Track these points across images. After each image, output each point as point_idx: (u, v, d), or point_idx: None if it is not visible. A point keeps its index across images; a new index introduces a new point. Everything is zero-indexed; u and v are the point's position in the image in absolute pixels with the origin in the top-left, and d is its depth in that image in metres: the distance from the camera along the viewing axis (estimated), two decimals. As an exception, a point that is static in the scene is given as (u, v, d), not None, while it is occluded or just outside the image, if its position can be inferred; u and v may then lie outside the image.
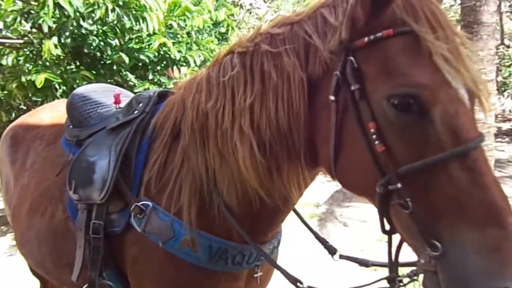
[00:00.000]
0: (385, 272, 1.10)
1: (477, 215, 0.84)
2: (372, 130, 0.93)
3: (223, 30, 6.17)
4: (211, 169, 1.23)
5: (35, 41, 4.35)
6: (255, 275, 1.40)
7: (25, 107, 4.94)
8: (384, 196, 0.93)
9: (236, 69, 1.17)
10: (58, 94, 3.71)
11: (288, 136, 1.11)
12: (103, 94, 1.81)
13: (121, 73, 4.25)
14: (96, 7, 3.66)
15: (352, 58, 0.98)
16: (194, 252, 1.26)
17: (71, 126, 1.70)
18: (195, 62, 4.55)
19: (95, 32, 3.95)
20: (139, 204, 1.31)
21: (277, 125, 1.10)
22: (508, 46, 13.21)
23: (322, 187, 6.86)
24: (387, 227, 1.00)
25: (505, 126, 12.71)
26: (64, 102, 2.21)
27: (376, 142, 0.92)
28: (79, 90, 1.80)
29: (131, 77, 4.50)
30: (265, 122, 1.11)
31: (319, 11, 1.10)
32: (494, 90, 5.38)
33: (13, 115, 4.77)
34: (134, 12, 3.83)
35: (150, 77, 4.67)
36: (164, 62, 4.52)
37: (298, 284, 1.26)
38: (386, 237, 1.03)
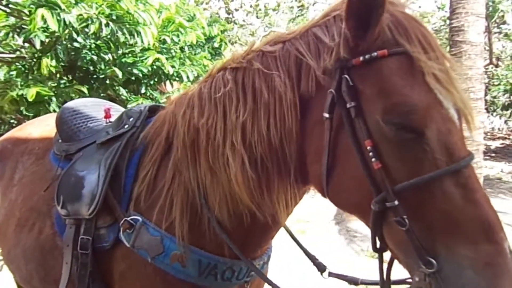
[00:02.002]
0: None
1: (471, 232, 0.86)
2: (368, 148, 0.94)
3: (216, 45, 6.22)
4: (202, 184, 1.23)
5: (27, 56, 4.34)
6: (245, 292, 1.39)
7: (15, 122, 4.90)
8: (378, 213, 0.94)
9: (228, 86, 1.18)
10: (51, 108, 3.68)
11: (279, 152, 1.12)
12: (93, 108, 1.80)
13: (114, 88, 4.25)
14: (90, 22, 3.68)
15: (347, 76, 0.99)
16: (183, 268, 1.25)
17: (60, 141, 1.68)
18: (188, 77, 4.57)
19: (88, 47, 3.96)
20: (128, 219, 1.30)
21: (269, 142, 1.11)
22: (496, 66, 13.48)
23: (312, 202, 6.86)
24: (379, 244, 1.00)
25: (494, 144, 12.86)
26: (53, 116, 2.20)
27: (373, 159, 0.93)
28: (69, 104, 1.79)
29: (123, 91, 4.50)
30: (256, 138, 1.12)
31: (311, 31, 1.12)
32: (483, 109, 5.46)
33: (3, 129, 4.72)
34: (128, 26, 3.85)
35: (143, 91, 4.68)
36: (157, 77, 4.53)
37: None
38: (376, 253, 1.03)
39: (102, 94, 4.23)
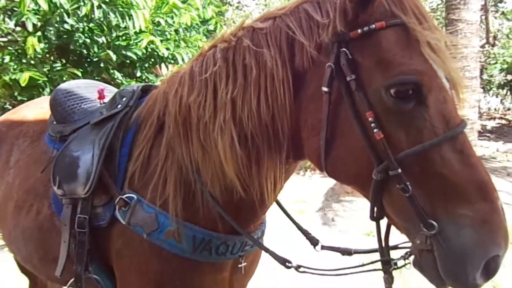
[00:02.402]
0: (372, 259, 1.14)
1: (468, 193, 0.92)
2: (370, 119, 0.97)
3: (211, 27, 6.19)
4: (194, 161, 1.24)
5: (19, 39, 4.30)
6: (240, 265, 1.42)
7: (10, 107, 4.88)
8: (380, 182, 0.97)
9: (218, 64, 1.19)
10: (45, 93, 3.67)
11: (270, 128, 1.13)
12: (87, 89, 1.80)
13: (108, 71, 4.23)
14: (81, 3, 3.64)
15: (345, 49, 1.01)
16: (178, 243, 1.28)
17: (54, 122, 1.69)
18: (183, 59, 4.55)
19: (81, 29, 3.92)
20: (123, 197, 1.32)
21: (259, 118, 1.13)
22: (493, 45, 13.42)
23: (310, 183, 6.92)
24: (376, 213, 1.04)
25: (490, 124, 12.88)
26: (47, 99, 2.19)
27: (375, 130, 0.96)
28: (63, 85, 1.79)
29: (118, 75, 4.48)
30: (247, 115, 1.13)
31: (301, 7, 1.13)
32: (478, 87, 5.47)
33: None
34: (120, 9, 3.81)
35: (138, 74, 4.65)
36: (152, 60, 4.50)
37: (287, 264, 1.28)
38: (374, 231, 1.08)
39: (96, 78, 4.21)
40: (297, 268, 1.28)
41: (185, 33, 5.29)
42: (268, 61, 1.11)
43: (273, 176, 1.19)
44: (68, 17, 3.65)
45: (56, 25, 3.65)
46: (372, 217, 1.05)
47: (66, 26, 3.74)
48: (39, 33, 3.54)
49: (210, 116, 1.18)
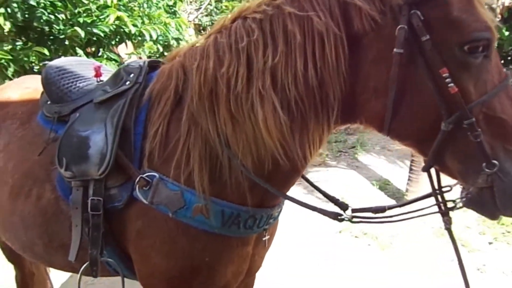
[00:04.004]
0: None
1: None
2: (444, 75, 1.03)
3: (170, 2, 6.00)
4: (223, 134, 1.22)
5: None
6: (263, 239, 1.43)
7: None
8: (447, 133, 1.06)
9: (255, 35, 1.16)
10: (9, 73, 3.39)
11: (317, 93, 1.14)
12: (79, 67, 1.71)
13: (74, 49, 3.97)
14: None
15: (417, 11, 1.05)
16: (206, 219, 1.26)
17: (49, 102, 1.60)
18: (151, 36, 4.35)
19: (42, 5, 3.63)
20: (144, 176, 1.28)
21: (306, 83, 1.13)
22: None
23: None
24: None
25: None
26: (31, 78, 2.09)
27: (450, 84, 1.03)
28: (53, 63, 1.69)
29: (81, 53, 4.22)
30: (290, 80, 1.12)
31: None
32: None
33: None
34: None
35: (100, 54, 4.40)
36: (119, 37, 4.28)
37: (339, 217, 1.31)
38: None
39: (62, 56, 3.95)
40: (351, 218, 1.30)
41: (144, 8, 5.06)
42: (317, 26, 1.11)
43: (319, 140, 1.21)
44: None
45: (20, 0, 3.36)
46: (429, 167, 1.15)
47: (31, 2, 3.45)
48: (2, 10, 3.24)
49: (242, 87, 1.16)
